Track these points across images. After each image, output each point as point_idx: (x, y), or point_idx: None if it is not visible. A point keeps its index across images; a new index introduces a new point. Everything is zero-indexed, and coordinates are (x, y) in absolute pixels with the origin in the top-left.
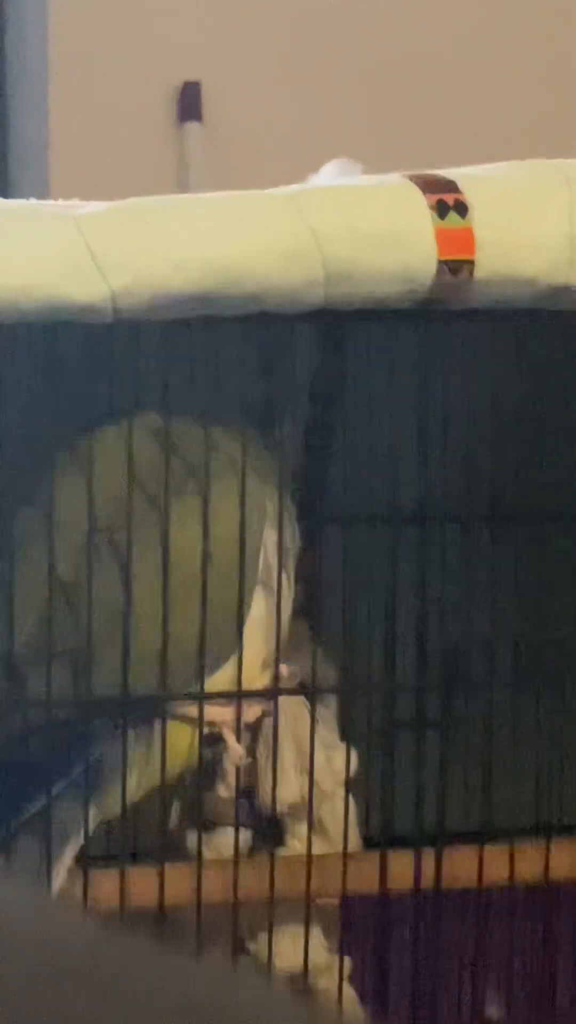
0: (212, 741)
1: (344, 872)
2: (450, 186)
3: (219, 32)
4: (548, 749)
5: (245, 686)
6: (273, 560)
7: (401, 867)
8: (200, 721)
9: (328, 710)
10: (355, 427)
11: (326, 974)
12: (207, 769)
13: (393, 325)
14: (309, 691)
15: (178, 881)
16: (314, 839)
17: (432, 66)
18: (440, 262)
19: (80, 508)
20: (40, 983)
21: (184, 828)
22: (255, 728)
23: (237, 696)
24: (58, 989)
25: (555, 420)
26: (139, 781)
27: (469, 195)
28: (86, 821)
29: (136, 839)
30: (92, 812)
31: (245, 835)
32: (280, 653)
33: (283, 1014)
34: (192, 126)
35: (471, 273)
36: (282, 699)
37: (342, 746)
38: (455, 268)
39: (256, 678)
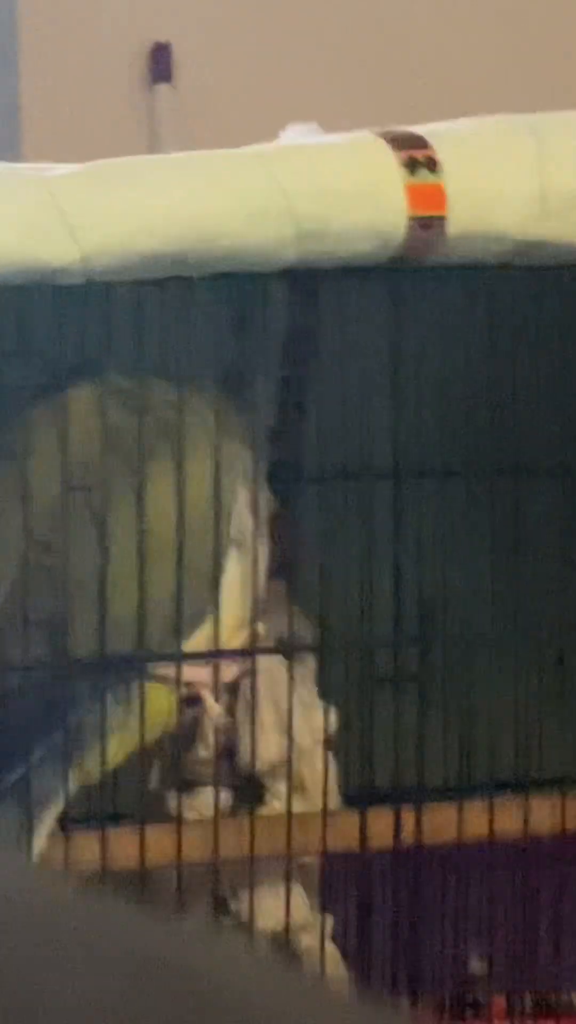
0: (191, 702)
1: (324, 830)
2: (420, 142)
3: None
4: (526, 703)
5: (222, 646)
6: (247, 520)
7: (381, 824)
8: (178, 682)
9: (306, 668)
10: (328, 384)
11: (308, 932)
12: (186, 730)
13: (365, 282)
14: (287, 650)
15: (159, 842)
16: (294, 798)
17: (402, 25)
18: (411, 218)
19: (54, 468)
20: (8, 942)
21: (164, 789)
22: (233, 688)
23: (215, 656)
24: (25, 948)
25: (528, 374)
26: (119, 744)
27: (439, 151)
28: (66, 786)
29: (116, 800)
30: (72, 776)
31: (225, 795)
32: (257, 613)
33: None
34: (163, 88)
35: (442, 229)
36: (260, 658)
37: (320, 704)
38: (426, 224)
39: (233, 638)
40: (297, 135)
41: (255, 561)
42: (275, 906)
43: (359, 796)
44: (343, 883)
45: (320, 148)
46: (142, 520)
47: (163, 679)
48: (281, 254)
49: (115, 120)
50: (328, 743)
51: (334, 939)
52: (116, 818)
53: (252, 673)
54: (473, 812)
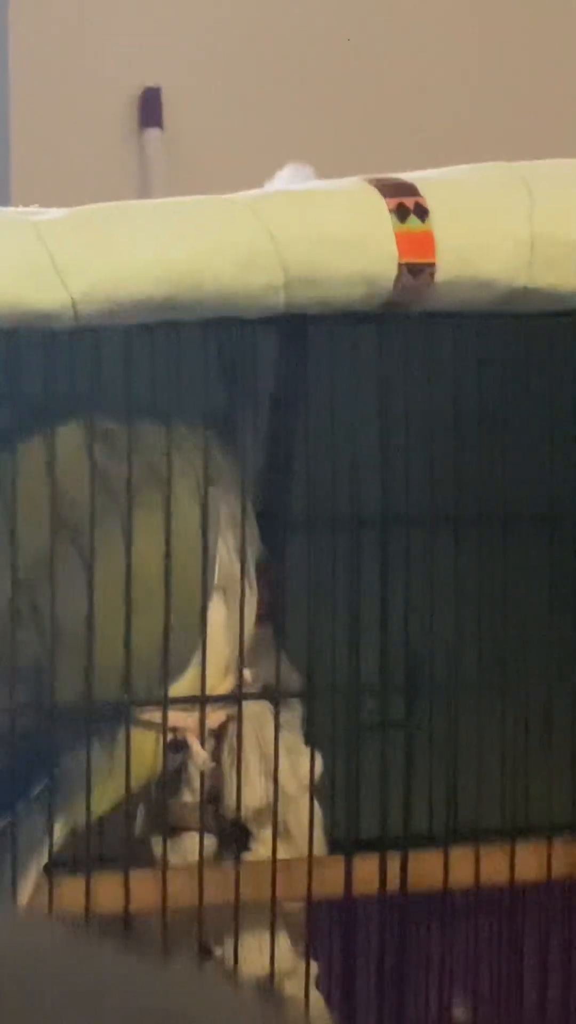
0: (176, 747)
1: (309, 876)
2: (410, 189)
3: (180, 38)
4: (513, 751)
5: (208, 691)
6: (234, 566)
7: (367, 871)
8: (164, 727)
9: (292, 714)
10: (317, 431)
11: (293, 979)
12: (172, 775)
13: (354, 329)
14: (273, 695)
15: (144, 887)
16: (279, 844)
17: (391, 73)
18: (401, 265)
19: (41, 511)
20: (5, 994)
21: (149, 834)
22: (219, 733)
23: (201, 701)
24: (24, 998)
25: (517, 422)
26: (104, 791)
27: (429, 198)
28: (51, 833)
29: (101, 845)
30: (58, 823)
31: (210, 840)
32: (244, 658)
33: (243, 1017)
34: (153, 132)
35: (432, 276)
36: (246, 704)
37: (306, 750)
38: (416, 271)
39: (219, 683)
40: (293, 175)
41: (242, 606)
42: (259, 952)
43: (345, 843)
44: (328, 930)
45: (310, 194)
46: (129, 564)
47: (149, 725)
48: (270, 300)
49: (105, 164)
50: (314, 789)
51: (318, 986)
52: (101, 862)
53: (238, 719)
54: (459, 859)
